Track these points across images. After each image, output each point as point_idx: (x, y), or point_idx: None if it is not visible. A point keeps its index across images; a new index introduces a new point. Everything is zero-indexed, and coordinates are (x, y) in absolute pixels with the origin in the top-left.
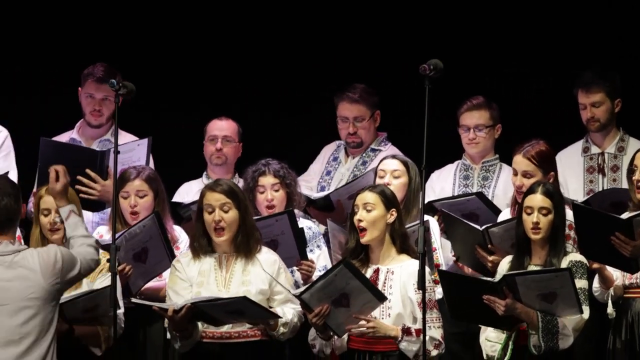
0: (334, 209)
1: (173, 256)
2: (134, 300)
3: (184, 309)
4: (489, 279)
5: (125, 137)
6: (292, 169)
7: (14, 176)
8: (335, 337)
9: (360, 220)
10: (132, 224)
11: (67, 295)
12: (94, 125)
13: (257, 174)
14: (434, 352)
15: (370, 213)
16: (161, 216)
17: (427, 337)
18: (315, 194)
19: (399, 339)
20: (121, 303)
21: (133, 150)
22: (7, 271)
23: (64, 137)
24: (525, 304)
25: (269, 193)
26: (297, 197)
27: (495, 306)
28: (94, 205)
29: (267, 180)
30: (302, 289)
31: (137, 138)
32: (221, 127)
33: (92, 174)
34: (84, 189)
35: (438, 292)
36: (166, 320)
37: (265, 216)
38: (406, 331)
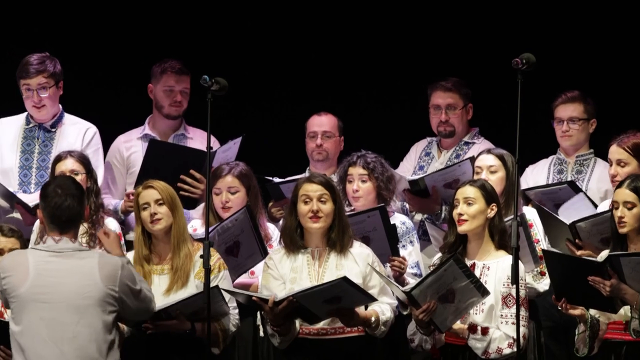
0: (429, 195)
1: (264, 249)
2: (231, 289)
3: (285, 301)
4: (593, 259)
5: (195, 132)
6: (387, 164)
7: (100, 174)
8: (437, 332)
9: (460, 214)
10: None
11: (177, 296)
12: (173, 117)
13: (348, 164)
14: (507, 350)
15: (471, 207)
16: (253, 210)
17: (500, 334)
18: (410, 176)
19: (466, 336)
20: (233, 303)
21: (229, 149)
22: (65, 268)
23: (134, 134)
24: (630, 286)
25: (356, 183)
26: (387, 193)
27: (600, 287)
28: (192, 204)
29: (356, 171)
30: (412, 285)
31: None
32: (320, 123)
33: (198, 175)
34: (186, 187)
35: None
36: (258, 318)
37: (357, 212)
38: (471, 329)
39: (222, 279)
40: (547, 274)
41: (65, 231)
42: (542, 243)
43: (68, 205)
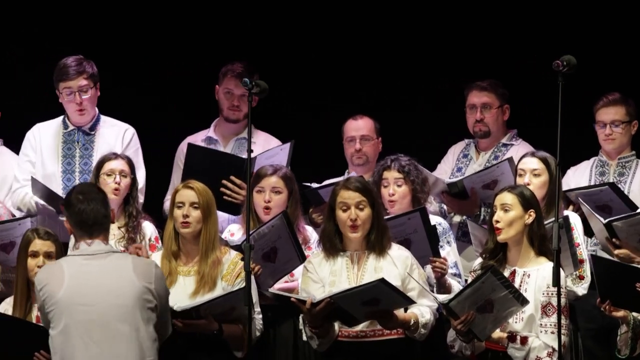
0: (467, 197)
1: (302, 255)
2: (270, 290)
3: (323, 302)
4: None
5: (260, 136)
6: (420, 167)
7: (142, 175)
8: (477, 340)
9: (497, 221)
10: (265, 219)
11: (205, 297)
12: (231, 120)
13: (382, 168)
14: None
15: (507, 213)
16: (289, 216)
17: (539, 343)
18: (449, 179)
19: (505, 345)
20: (257, 308)
21: (276, 155)
22: (100, 270)
23: (200, 136)
24: None
25: (392, 187)
26: (422, 195)
27: None
28: (233, 209)
29: (391, 175)
30: (450, 296)
31: (271, 137)
32: (357, 127)
33: (238, 181)
34: (228, 192)
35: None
36: (301, 322)
37: (397, 215)
38: (511, 338)
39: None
40: (585, 278)
41: (95, 234)
42: (582, 247)
43: (92, 208)
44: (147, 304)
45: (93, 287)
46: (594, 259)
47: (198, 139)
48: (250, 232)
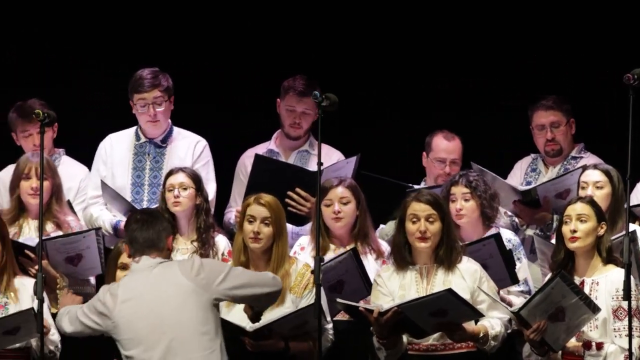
0: (540, 206)
1: (371, 288)
2: (339, 300)
3: (391, 311)
4: None
5: (327, 151)
6: (494, 178)
7: (212, 188)
8: (551, 352)
9: (574, 231)
10: (336, 229)
11: (275, 314)
12: (292, 137)
13: (450, 184)
14: None
15: (584, 224)
16: (358, 253)
17: (615, 348)
18: (521, 187)
19: (582, 354)
20: (328, 317)
21: (342, 168)
22: (147, 280)
23: (261, 148)
24: None
25: (459, 202)
26: (491, 211)
27: None
28: (297, 220)
29: (459, 190)
30: (520, 305)
31: (333, 149)
32: (450, 149)
33: (303, 193)
34: (293, 203)
35: None
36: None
37: (472, 242)
38: (586, 345)
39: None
40: None
41: (144, 253)
42: None
43: (143, 234)
44: (198, 301)
45: (144, 299)
46: None
47: (259, 151)
48: (324, 263)
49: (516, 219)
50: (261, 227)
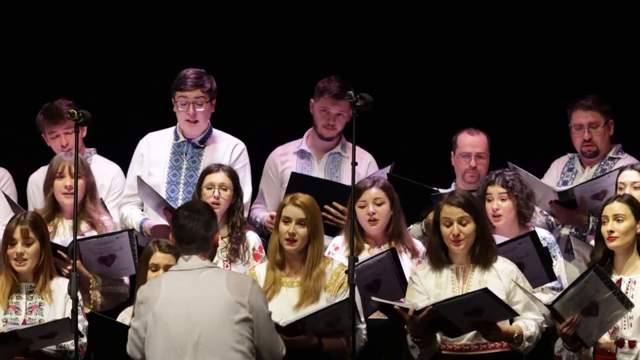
0: (576, 206)
1: (406, 288)
2: (374, 298)
3: (426, 310)
4: None
5: (351, 149)
6: (529, 177)
7: (247, 191)
8: (584, 347)
9: (611, 232)
10: (371, 231)
11: (309, 310)
12: (325, 138)
13: (487, 183)
14: None
15: (621, 223)
16: (396, 252)
17: None
18: (558, 187)
19: (614, 351)
20: (362, 317)
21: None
22: (193, 284)
23: (291, 147)
24: None
25: (496, 202)
26: (527, 211)
27: None
28: (332, 231)
29: (495, 190)
30: (554, 298)
31: (364, 151)
32: (474, 143)
33: (340, 207)
34: (330, 217)
35: None
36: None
37: (508, 240)
38: (619, 343)
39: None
40: None
41: (193, 252)
42: None
43: (192, 227)
44: (236, 315)
45: (185, 301)
46: None
47: (290, 150)
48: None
49: (552, 218)
50: (297, 228)
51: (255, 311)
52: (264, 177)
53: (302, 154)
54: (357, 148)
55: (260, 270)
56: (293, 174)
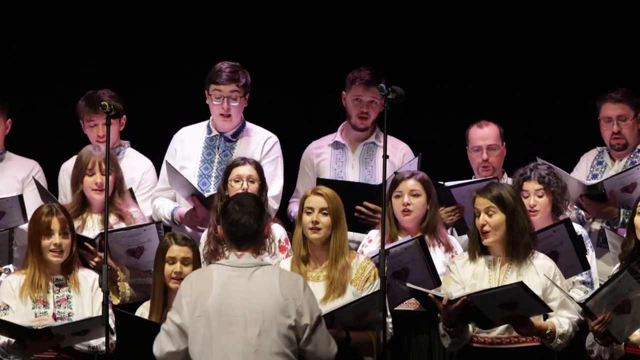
0: (606, 200)
1: (437, 280)
2: (409, 285)
3: (460, 300)
4: None
5: (393, 143)
6: (560, 172)
7: (279, 184)
8: (615, 343)
9: None
10: (404, 222)
11: (337, 304)
12: (359, 129)
13: (522, 179)
14: None
15: None
16: (425, 241)
17: None
18: (587, 181)
19: None
20: (388, 312)
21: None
22: (247, 283)
23: (327, 140)
24: None
25: (533, 198)
26: (562, 204)
27: None
28: (363, 229)
29: (532, 186)
30: (587, 296)
31: (398, 140)
32: (484, 136)
33: (372, 206)
34: (363, 217)
35: None
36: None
37: (542, 229)
38: None
39: (377, 287)
40: None
41: (244, 247)
42: None
43: (244, 222)
44: (288, 320)
45: (238, 300)
46: None
47: (324, 143)
48: (388, 247)
49: (582, 212)
50: (319, 216)
51: (307, 314)
52: (301, 172)
53: (336, 145)
54: (392, 138)
55: (285, 265)
56: (319, 180)
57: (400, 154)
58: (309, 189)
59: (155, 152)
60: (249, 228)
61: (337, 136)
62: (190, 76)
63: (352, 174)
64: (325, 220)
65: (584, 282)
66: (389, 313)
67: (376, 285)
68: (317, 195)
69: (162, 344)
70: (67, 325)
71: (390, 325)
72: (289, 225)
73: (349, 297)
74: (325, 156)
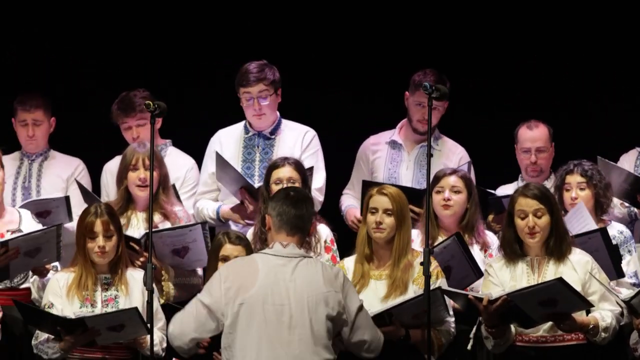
0: None
1: (479, 271)
2: (447, 288)
3: (500, 300)
4: None
5: (445, 143)
6: (609, 164)
7: (321, 176)
8: None
9: None
10: (443, 217)
11: (397, 301)
12: (421, 132)
13: (565, 172)
14: None
15: None
16: (462, 237)
17: None
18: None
19: None
20: (451, 311)
21: None
22: (291, 273)
23: (384, 137)
24: None
25: (575, 191)
26: (605, 201)
27: None
28: None
29: (574, 179)
30: (632, 294)
31: (456, 144)
32: (533, 138)
33: (417, 209)
34: None
35: None
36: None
37: (578, 234)
38: None
39: (439, 286)
40: None
41: (292, 238)
42: None
43: (296, 215)
44: (329, 310)
45: (284, 289)
46: None
47: (382, 140)
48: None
49: (635, 210)
50: (383, 217)
51: (349, 305)
52: (356, 166)
53: (393, 144)
54: (451, 142)
55: (349, 263)
56: (364, 182)
57: (456, 158)
58: (373, 187)
59: (196, 151)
60: (299, 220)
61: (394, 134)
62: (233, 75)
63: (406, 175)
64: (389, 220)
65: (634, 285)
66: (451, 312)
67: (438, 284)
68: (382, 195)
69: (183, 326)
70: (101, 317)
71: (453, 325)
72: (336, 223)
73: (410, 295)
74: (381, 154)
